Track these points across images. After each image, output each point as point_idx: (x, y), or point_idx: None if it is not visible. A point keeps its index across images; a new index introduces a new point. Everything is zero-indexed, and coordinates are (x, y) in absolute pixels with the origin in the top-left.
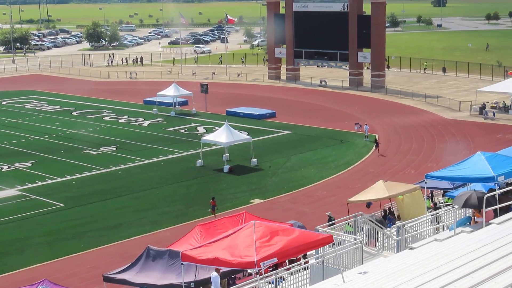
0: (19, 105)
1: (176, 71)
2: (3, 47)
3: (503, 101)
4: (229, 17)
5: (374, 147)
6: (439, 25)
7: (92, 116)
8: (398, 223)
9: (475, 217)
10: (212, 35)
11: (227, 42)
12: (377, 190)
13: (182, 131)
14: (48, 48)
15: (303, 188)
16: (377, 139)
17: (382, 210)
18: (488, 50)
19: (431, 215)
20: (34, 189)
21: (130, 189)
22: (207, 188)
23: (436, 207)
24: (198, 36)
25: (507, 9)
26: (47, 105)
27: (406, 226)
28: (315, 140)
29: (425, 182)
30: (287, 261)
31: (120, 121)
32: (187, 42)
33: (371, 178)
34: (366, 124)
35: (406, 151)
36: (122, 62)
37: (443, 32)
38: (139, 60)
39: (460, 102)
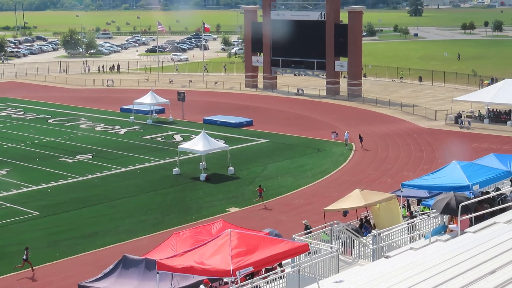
0: None
1: (153, 79)
2: None
3: (478, 110)
4: (205, 25)
5: (359, 142)
6: (416, 35)
7: (68, 124)
8: (374, 232)
9: (451, 223)
10: (189, 43)
11: (208, 49)
12: (354, 199)
13: (159, 139)
14: (24, 55)
15: (279, 196)
16: (360, 135)
17: (359, 218)
18: (460, 60)
19: (407, 224)
20: (9, 197)
21: (106, 197)
22: (183, 197)
23: (412, 216)
24: (175, 44)
25: (482, 19)
26: (23, 112)
27: (382, 234)
28: (292, 149)
29: (401, 191)
30: (263, 269)
31: (96, 129)
32: (165, 50)
33: (348, 187)
34: (347, 132)
35: (383, 160)
36: (99, 70)
37: (420, 42)
38: (116, 67)
39: (436, 111)
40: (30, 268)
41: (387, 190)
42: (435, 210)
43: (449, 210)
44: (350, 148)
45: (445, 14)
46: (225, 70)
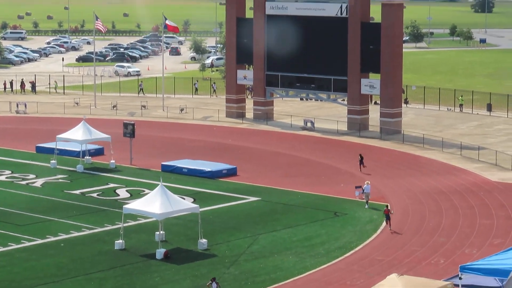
0: None
1: (86, 102)
2: None
3: None
4: (168, 22)
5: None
6: (483, 40)
7: None
8: None
9: None
10: (142, 49)
11: (178, 54)
12: None
13: (94, 195)
14: None
15: (276, 285)
16: (361, 155)
17: None
18: None
19: None
20: None
21: (12, 285)
22: (130, 284)
23: None
24: (122, 49)
25: None
26: None
27: None
28: (295, 212)
29: (460, 278)
30: None
31: None
32: (105, 59)
33: (380, 271)
34: (367, 183)
35: (433, 230)
36: (5, 88)
37: (489, 51)
38: (30, 84)
39: None
40: None
41: (440, 277)
42: None
43: None
44: (370, 207)
45: None
46: (215, 90)
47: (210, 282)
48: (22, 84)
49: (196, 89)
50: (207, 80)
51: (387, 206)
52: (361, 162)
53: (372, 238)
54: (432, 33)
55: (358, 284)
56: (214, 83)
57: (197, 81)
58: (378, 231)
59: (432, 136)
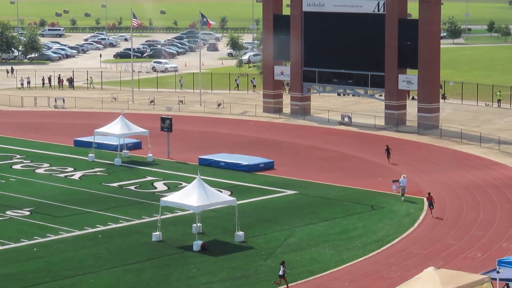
0: None
1: (123, 97)
2: None
3: None
4: (204, 18)
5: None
6: None
7: None
8: None
9: None
10: (180, 45)
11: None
12: (426, 283)
13: (132, 188)
14: None
15: (313, 277)
16: (388, 146)
17: None
18: None
19: None
20: None
21: (50, 275)
22: (167, 275)
23: None
24: (159, 46)
25: None
26: None
27: None
28: (332, 205)
29: (498, 271)
30: None
31: (37, 171)
32: (143, 55)
33: (418, 264)
34: (403, 176)
35: (470, 224)
36: (43, 83)
37: None
38: (68, 80)
39: None
40: (286, 286)
41: (477, 271)
42: None
43: None
44: (407, 200)
45: None
46: (254, 86)
47: (280, 265)
48: (60, 80)
49: (238, 85)
50: (244, 76)
51: (429, 193)
52: (388, 153)
53: (409, 231)
54: (470, 29)
55: (395, 277)
56: (254, 78)
57: (238, 77)
58: (416, 225)
59: (470, 131)
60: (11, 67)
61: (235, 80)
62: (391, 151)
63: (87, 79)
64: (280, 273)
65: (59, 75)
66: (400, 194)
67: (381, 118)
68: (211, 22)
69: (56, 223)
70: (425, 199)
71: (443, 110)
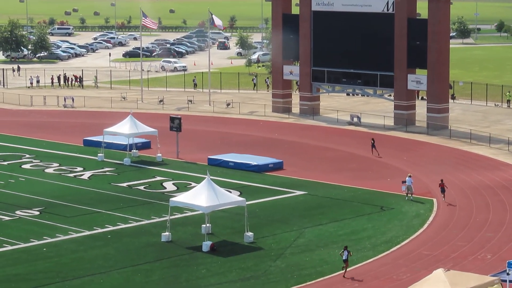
0: None
1: (133, 97)
2: None
3: None
4: (215, 18)
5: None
6: None
7: (5, 163)
8: None
9: None
10: (189, 44)
11: (227, 48)
12: (436, 284)
13: (141, 187)
14: None
15: (322, 278)
16: (373, 139)
17: None
18: None
19: None
20: None
21: (59, 275)
22: (176, 276)
23: None
24: (168, 45)
25: None
26: None
27: None
28: (341, 206)
29: (508, 273)
30: None
31: (47, 171)
32: (152, 54)
33: (427, 266)
34: (409, 175)
35: (480, 225)
36: (52, 83)
37: None
38: (77, 79)
39: None
40: (344, 270)
41: (486, 272)
42: None
43: None
44: (411, 199)
45: None
46: (268, 86)
47: (343, 250)
48: (68, 79)
49: (255, 85)
50: (252, 75)
51: (442, 180)
52: (373, 146)
53: (418, 232)
54: (479, 29)
55: (404, 278)
56: (268, 77)
57: (255, 76)
58: (425, 226)
59: (479, 131)
60: (18, 66)
61: (252, 80)
62: (374, 144)
63: (96, 78)
64: (344, 257)
65: (65, 73)
66: (405, 193)
67: (390, 118)
68: (218, 24)
69: (66, 223)
70: (435, 200)
71: (452, 110)
